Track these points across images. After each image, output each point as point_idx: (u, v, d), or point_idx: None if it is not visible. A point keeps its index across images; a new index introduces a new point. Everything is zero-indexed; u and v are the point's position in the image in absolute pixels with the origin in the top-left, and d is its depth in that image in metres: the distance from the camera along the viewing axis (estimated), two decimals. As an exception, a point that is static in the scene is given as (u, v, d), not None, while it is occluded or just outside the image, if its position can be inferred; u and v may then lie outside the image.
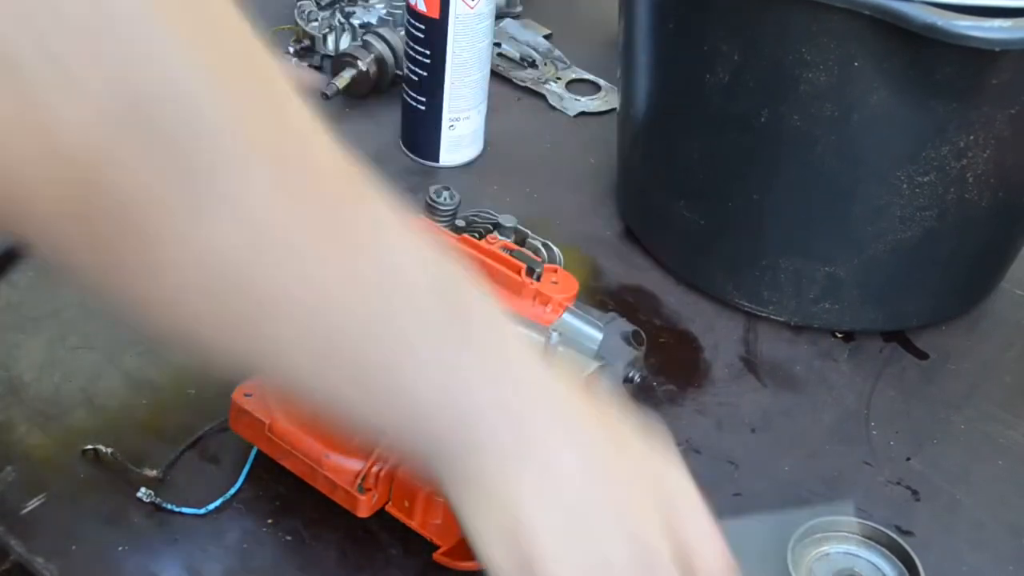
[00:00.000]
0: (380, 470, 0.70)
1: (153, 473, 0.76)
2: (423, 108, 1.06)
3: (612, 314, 0.77)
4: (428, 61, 1.03)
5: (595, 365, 0.72)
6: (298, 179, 0.44)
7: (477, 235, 0.84)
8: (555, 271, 0.78)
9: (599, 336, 0.74)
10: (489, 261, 0.77)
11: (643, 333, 0.76)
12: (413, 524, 0.71)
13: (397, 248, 0.48)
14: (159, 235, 0.41)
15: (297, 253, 0.44)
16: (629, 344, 0.75)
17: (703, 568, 0.53)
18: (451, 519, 0.71)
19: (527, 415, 0.50)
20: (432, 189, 0.87)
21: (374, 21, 1.20)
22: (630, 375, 0.75)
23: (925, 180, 0.84)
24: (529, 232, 0.88)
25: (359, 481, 0.70)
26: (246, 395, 0.74)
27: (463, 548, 0.71)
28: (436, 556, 0.70)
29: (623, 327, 0.76)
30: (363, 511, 0.70)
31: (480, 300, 0.50)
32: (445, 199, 0.86)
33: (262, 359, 0.47)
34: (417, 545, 0.72)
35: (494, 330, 0.50)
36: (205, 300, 0.43)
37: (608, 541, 0.51)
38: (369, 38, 1.14)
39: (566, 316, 0.75)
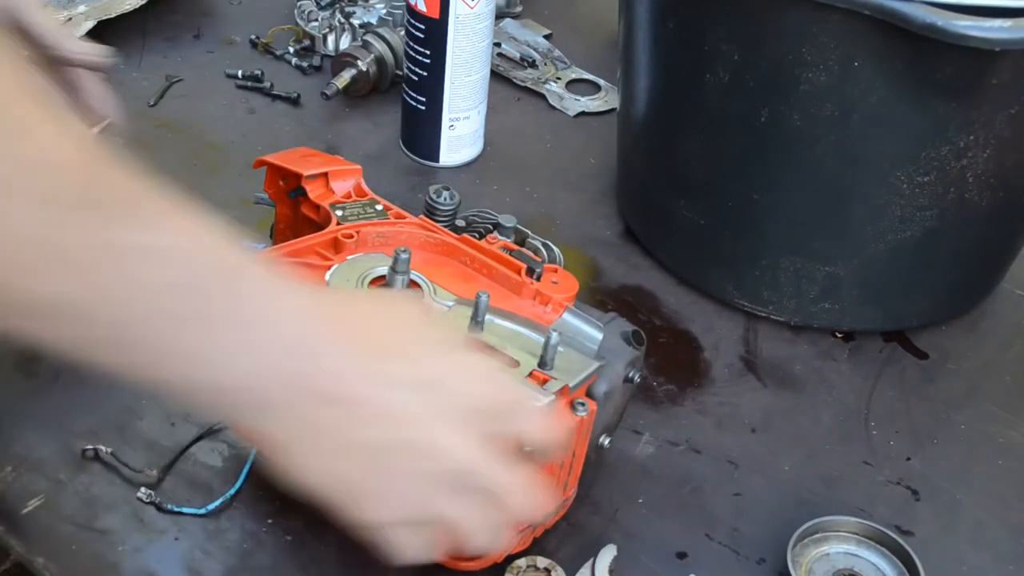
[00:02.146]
0: None
1: (153, 473, 0.76)
2: (423, 108, 1.06)
3: (612, 314, 0.77)
4: (428, 61, 1.03)
5: (595, 365, 0.72)
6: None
7: (477, 235, 0.84)
8: (555, 271, 0.78)
9: (599, 336, 0.74)
10: (489, 261, 0.77)
11: (643, 333, 0.76)
12: None
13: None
14: None
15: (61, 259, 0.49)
16: (629, 344, 0.75)
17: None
18: None
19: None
20: (432, 189, 0.87)
21: (374, 21, 1.20)
22: (630, 375, 0.75)
23: (925, 180, 0.84)
24: (529, 232, 0.88)
25: None
26: None
27: None
28: (437, 556, 0.70)
29: (623, 327, 0.76)
30: None
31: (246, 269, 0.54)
32: (445, 199, 0.86)
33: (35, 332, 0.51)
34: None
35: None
36: None
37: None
38: (369, 38, 1.14)
39: (566, 316, 0.75)
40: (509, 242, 0.82)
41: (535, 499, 0.60)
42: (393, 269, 0.73)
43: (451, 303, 0.74)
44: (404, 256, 0.72)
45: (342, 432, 0.56)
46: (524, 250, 0.81)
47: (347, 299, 0.60)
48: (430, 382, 0.57)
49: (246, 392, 0.54)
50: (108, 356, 0.52)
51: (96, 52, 0.80)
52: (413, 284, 0.75)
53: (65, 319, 0.50)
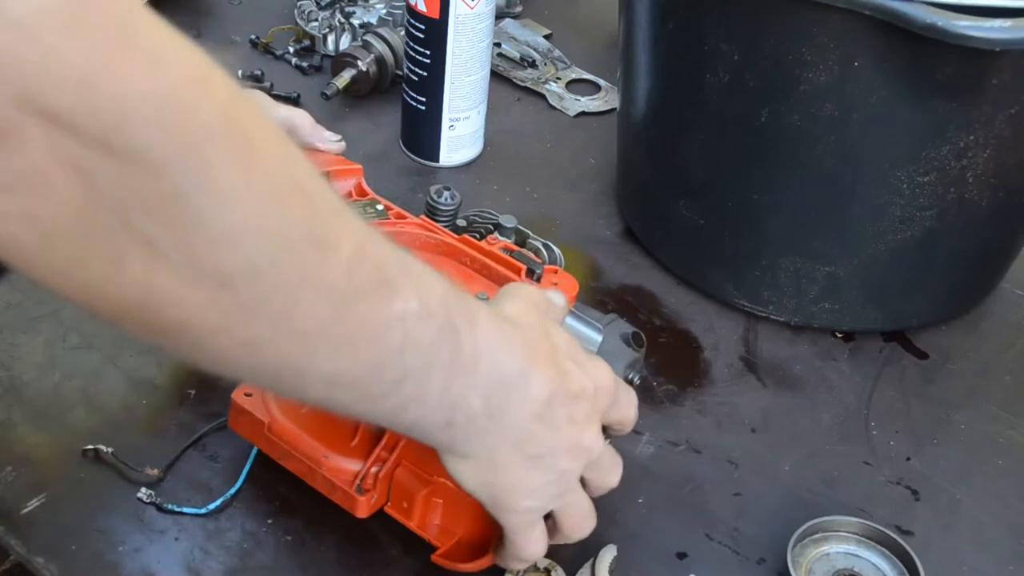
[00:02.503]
0: (379, 471, 0.70)
1: (153, 472, 0.76)
2: (423, 108, 1.06)
3: (612, 315, 0.77)
4: (428, 61, 1.03)
5: None
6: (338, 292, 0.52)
7: (478, 235, 0.84)
8: (555, 272, 0.78)
9: (599, 338, 0.74)
10: (489, 262, 0.77)
11: (643, 335, 0.76)
12: (411, 525, 0.71)
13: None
14: None
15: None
16: (629, 346, 0.75)
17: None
18: (449, 520, 0.71)
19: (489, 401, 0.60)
20: (433, 189, 0.87)
21: (374, 21, 1.20)
22: (630, 376, 0.75)
23: (925, 180, 0.84)
24: (530, 233, 0.88)
25: (358, 482, 0.70)
26: (246, 395, 0.74)
27: (461, 549, 0.71)
28: (435, 557, 0.70)
29: (623, 328, 0.76)
30: (362, 512, 0.70)
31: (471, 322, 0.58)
32: (446, 199, 0.86)
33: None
34: (416, 546, 0.72)
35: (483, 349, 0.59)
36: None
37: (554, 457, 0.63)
38: (369, 38, 1.14)
39: (566, 318, 0.75)
40: (510, 243, 0.82)
41: (618, 472, 0.69)
42: None
43: None
44: None
45: (531, 446, 0.61)
46: (525, 251, 0.81)
47: (534, 327, 0.63)
48: (583, 391, 0.63)
49: (464, 423, 0.59)
50: (362, 408, 0.57)
51: (339, 143, 0.88)
52: None
53: (337, 387, 0.55)
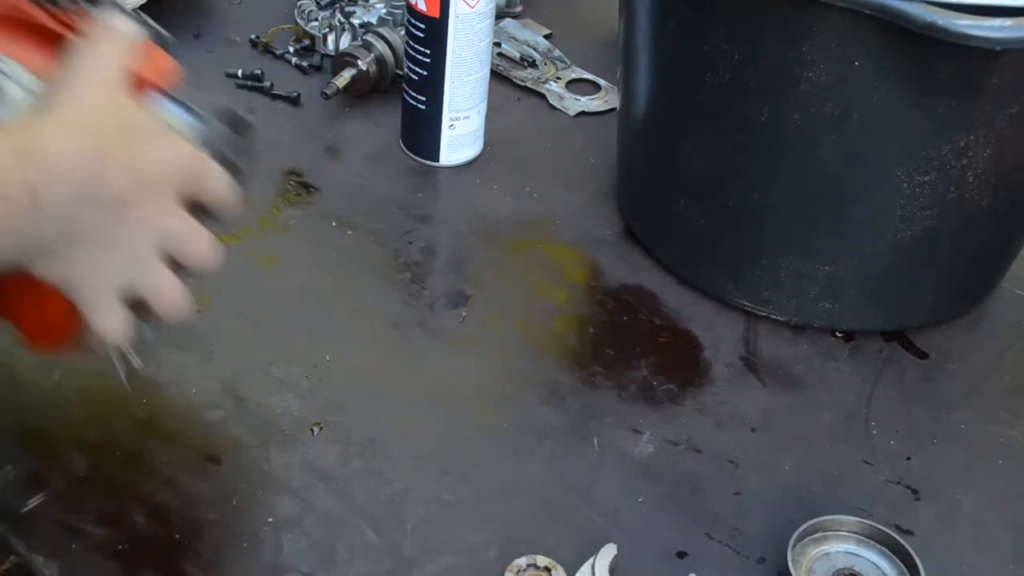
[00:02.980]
0: None
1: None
2: (423, 108, 1.06)
3: (218, 97, 0.71)
4: (428, 61, 1.03)
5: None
6: None
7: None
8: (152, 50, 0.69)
9: (200, 126, 0.69)
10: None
11: (247, 120, 0.72)
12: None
13: None
14: None
15: None
16: (236, 132, 0.71)
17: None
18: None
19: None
20: None
21: (374, 21, 1.20)
22: (228, 157, 0.70)
23: (925, 179, 0.84)
24: None
25: None
26: None
27: (42, 322, 0.69)
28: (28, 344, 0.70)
29: (224, 109, 0.71)
30: None
31: None
32: None
33: None
34: (417, 544, 0.72)
35: None
36: None
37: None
38: (369, 38, 1.14)
39: (163, 102, 0.69)
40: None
41: (209, 248, 0.68)
42: None
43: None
44: None
45: (76, 222, 0.62)
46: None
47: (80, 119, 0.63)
48: (133, 184, 0.64)
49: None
50: None
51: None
52: None
53: None
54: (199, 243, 0.68)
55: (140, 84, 0.67)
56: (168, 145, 0.66)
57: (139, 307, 0.67)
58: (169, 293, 0.67)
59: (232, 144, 0.70)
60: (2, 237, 0.60)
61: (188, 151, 0.66)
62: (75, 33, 0.67)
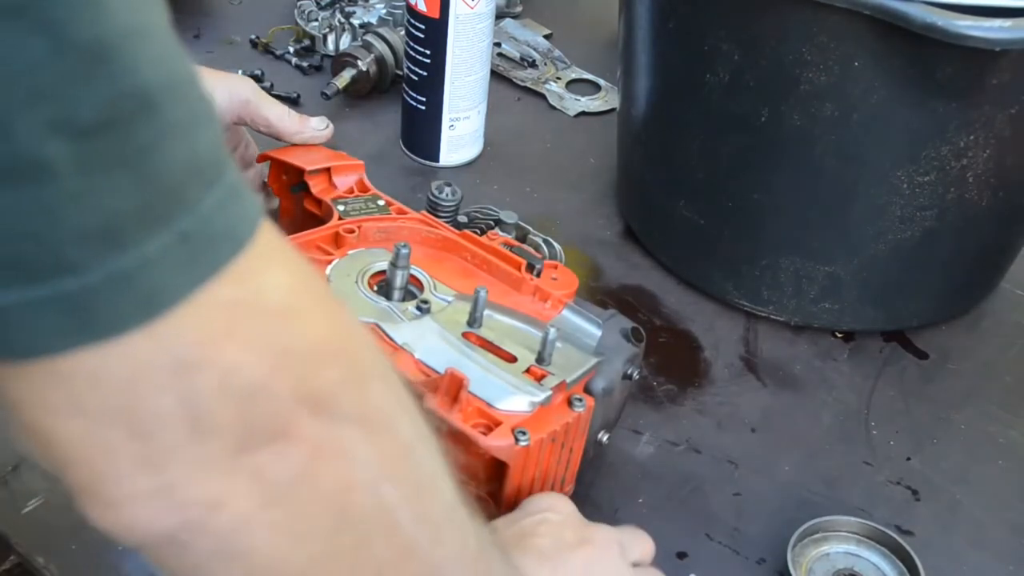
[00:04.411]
0: None
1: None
2: (423, 108, 1.06)
3: (612, 311, 0.77)
4: (428, 61, 1.03)
5: (593, 361, 0.72)
6: None
7: (478, 231, 0.84)
8: (555, 267, 0.78)
9: (598, 332, 0.74)
10: (489, 257, 0.77)
11: (642, 330, 0.76)
12: None
13: None
14: None
15: None
16: (628, 340, 0.75)
17: None
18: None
19: None
20: (434, 185, 0.87)
21: (374, 21, 1.20)
22: (629, 371, 0.75)
23: (925, 180, 0.84)
24: (530, 228, 0.88)
25: None
26: None
27: None
28: None
29: (622, 323, 0.76)
30: None
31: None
32: (447, 195, 0.86)
33: None
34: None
35: None
36: None
37: None
38: (369, 38, 1.14)
39: (565, 312, 0.75)
40: (510, 238, 0.82)
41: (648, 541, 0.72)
42: (393, 264, 0.73)
43: (450, 298, 0.74)
44: (404, 251, 0.72)
45: None
46: (525, 246, 0.81)
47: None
48: None
49: None
50: None
51: (324, 130, 0.90)
52: (413, 279, 0.75)
53: None
54: None
55: (556, 302, 0.76)
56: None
57: None
58: None
59: (629, 355, 0.75)
60: None
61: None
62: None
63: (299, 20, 1.22)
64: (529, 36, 1.26)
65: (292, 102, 1.13)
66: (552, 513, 0.68)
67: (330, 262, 0.75)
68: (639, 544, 0.71)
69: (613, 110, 1.14)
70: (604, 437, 0.75)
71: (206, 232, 0.38)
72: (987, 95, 0.79)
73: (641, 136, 0.98)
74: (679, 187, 0.95)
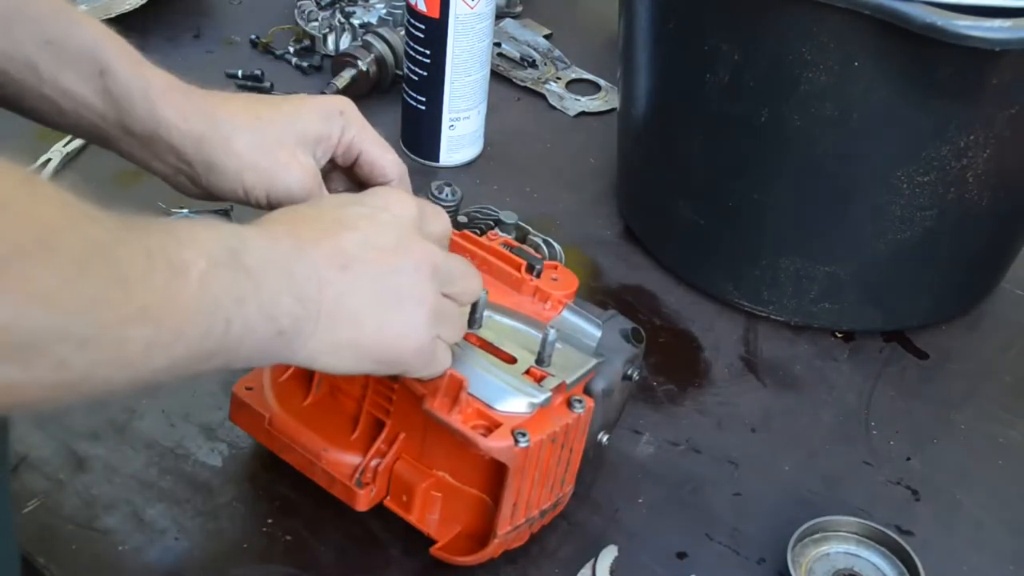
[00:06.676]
0: (378, 465, 0.71)
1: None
2: (423, 108, 1.06)
3: (612, 311, 0.77)
4: (428, 61, 1.03)
5: (593, 362, 0.72)
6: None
7: (478, 231, 0.84)
8: (555, 268, 0.78)
9: (598, 333, 0.74)
10: (489, 257, 0.77)
11: (643, 331, 0.76)
12: (411, 519, 0.71)
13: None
14: None
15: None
16: (628, 341, 0.75)
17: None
18: (449, 513, 0.71)
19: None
20: (434, 185, 0.87)
21: (374, 21, 1.20)
22: (629, 372, 0.75)
23: (925, 180, 0.84)
24: (530, 229, 0.88)
25: (357, 475, 0.70)
26: (247, 388, 0.74)
27: (460, 542, 0.71)
28: (433, 550, 0.70)
29: (622, 324, 0.76)
30: (361, 505, 0.71)
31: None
32: (447, 195, 0.86)
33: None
34: (417, 545, 0.72)
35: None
36: None
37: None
38: (369, 38, 1.14)
39: (565, 313, 0.75)
40: (510, 238, 0.82)
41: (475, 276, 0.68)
42: None
43: None
44: None
45: (365, 295, 0.60)
46: (525, 247, 0.81)
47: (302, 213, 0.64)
48: (368, 218, 0.63)
49: (291, 323, 0.57)
50: (201, 368, 0.54)
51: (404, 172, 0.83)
52: None
53: (172, 369, 0.53)
54: (472, 277, 0.68)
55: (555, 302, 0.75)
56: (390, 200, 0.66)
57: None
58: (461, 324, 0.68)
59: (630, 355, 0.75)
60: None
61: (409, 199, 0.67)
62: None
63: (299, 20, 1.22)
64: (529, 36, 1.26)
65: (292, 102, 1.13)
66: (385, 212, 0.64)
67: None
68: (434, 216, 0.68)
69: (613, 110, 1.14)
70: (604, 438, 0.75)
71: None
72: (987, 95, 0.79)
73: (641, 136, 0.98)
74: (679, 187, 0.95)
